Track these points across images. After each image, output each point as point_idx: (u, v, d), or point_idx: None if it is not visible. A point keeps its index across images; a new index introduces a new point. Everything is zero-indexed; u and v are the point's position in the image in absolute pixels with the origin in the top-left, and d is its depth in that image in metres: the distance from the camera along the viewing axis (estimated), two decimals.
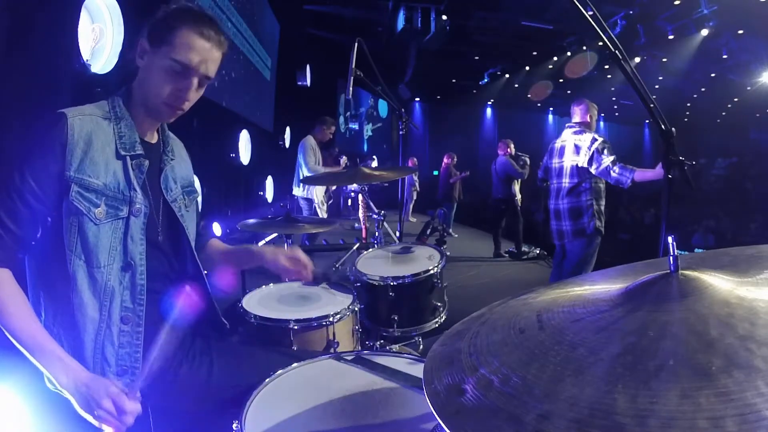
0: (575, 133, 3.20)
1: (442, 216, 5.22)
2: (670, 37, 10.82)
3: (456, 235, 7.93)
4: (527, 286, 0.77)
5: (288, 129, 9.33)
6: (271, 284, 1.89)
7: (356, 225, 8.61)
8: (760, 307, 0.49)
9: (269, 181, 8.39)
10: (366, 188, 2.65)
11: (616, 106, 19.98)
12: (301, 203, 4.74)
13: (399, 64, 12.48)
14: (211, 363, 1.18)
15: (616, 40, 1.23)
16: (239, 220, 2.21)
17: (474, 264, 6.10)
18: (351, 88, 2.24)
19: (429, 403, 0.51)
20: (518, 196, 6.71)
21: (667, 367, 0.43)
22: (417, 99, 17.77)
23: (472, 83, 16.63)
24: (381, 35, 10.35)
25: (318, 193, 4.70)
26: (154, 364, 1.11)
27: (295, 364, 1.13)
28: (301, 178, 4.67)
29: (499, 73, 15.70)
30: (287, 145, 9.17)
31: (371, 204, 2.47)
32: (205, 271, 1.31)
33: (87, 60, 2.99)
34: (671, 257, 0.57)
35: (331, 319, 1.57)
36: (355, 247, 2.26)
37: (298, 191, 4.78)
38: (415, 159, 10.33)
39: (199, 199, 1.39)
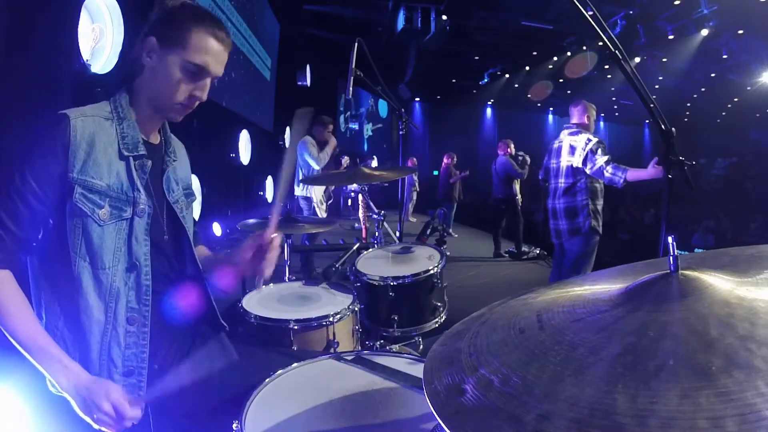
0: (571, 134, 3.26)
1: (442, 216, 5.23)
2: (670, 37, 10.82)
3: (456, 235, 7.92)
4: (527, 286, 0.77)
5: (288, 129, 9.32)
6: (271, 284, 1.89)
7: (356, 225, 8.61)
8: (760, 307, 0.49)
9: (269, 181, 8.39)
10: (366, 188, 2.65)
11: (616, 106, 19.98)
12: (300, 203, 4.74)
13: (399, 64, 12.49)
14: (211, 363, 1.18)
15: (616, 40, 1.23)
16: (239, 220, 2.21)
17: (474, 264, 6.10)
18: (351, 88, 2.24)
19: (429, 403, 0.51)
20: (518, 196, 6.71)
21: (667, 367, 0.43)
22: (417, 99, 17.77)
23: (472, 83, 16.63)
24: (381, 35, 10.35)
25: (317, 192, 4.70)
26: (154, 364, 1.12)
27: (295, 364, 1.13)
28: (301, 178, 4.67)
29: (499, 73, 15.70)
30: (287, 145, 9.17)
31: (371, 204, 2.47)
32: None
33: (87, 60, 2.99)
34: (671, 257, 0.57)
35: (331, 319, 1.57)
36: (355, 247, 2.26)
37: (297, 190, 4.79)
38: (414, 159, 10.33)
39: (196, 203, 1.37)
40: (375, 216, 2.41)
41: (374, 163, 10.53)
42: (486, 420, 0.46)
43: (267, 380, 1.05)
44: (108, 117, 1.10)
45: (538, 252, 6.56)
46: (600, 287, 0.65)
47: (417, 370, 1.09)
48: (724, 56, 12.55)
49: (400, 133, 2.54)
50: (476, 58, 13.80)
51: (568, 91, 16.08)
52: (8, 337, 0.97)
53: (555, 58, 13.48)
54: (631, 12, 9.74)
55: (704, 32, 10.55)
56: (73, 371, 0.98)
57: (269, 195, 8.38)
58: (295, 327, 1.52)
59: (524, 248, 6.55)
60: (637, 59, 12.09)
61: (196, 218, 1.40)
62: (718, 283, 0.54)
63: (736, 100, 17.03)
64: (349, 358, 1.16)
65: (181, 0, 1.15)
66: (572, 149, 3.18)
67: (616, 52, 1.22)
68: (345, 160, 6.14)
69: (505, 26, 10.81)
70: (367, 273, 1.93)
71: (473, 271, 5.61)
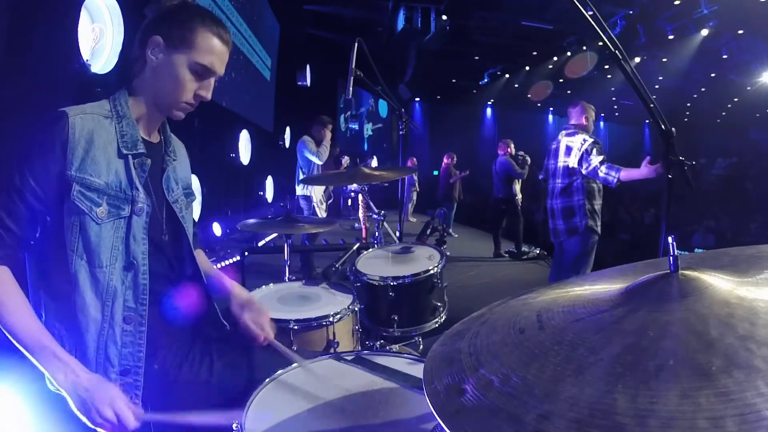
0: (568, 134, 3.29)
1: (442, 216, 5.22)
2: (670, 37, 10.82)
3: (456, 235, 7.92)
4: (527, 286, 0.77)
5: (288, 129, 9.33)
6: (271, 284, 1.89)
7: (356, 225, 8.61)
8: (760, 307, 0.49)
9: (269, 181, 8.40)
10: (366, 188, 2.65)
11: (616, 106, 19.98)
12: (300, 202, 4.75)
13: (399, 64, 12.48)
14: (212, 363, 1.18)
15: (616, 40, 1.23)
16: (239, 220, 2.21)
17: (474, 264, 6.10)
18: (351, 88, 2.24)
19: (429, 403, 0.51)
20: (519, 196, 6.71)
21: (667, 367, 0.43)
22: (417, 99, 17.77)
23: (472, 83, 16.63)
24: (381, 35, 10.35)
25: (317, 191, 4.71)
26: (154, 364, 1.11)
27: (295, 364, 1.13)
28: (301, 178, 4.68)
29: (499, 73, 15.70)
30: (287, 145, 9.18)
31: (371, 204, 2.47)
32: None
33: (87, 60, 2.99)
34: (671, 257, 0.57)
35: (331, 319, 1.57)
36: (355, 247, 2.25)
37: (297, 190, 4.80)
38: (414, 159, 10.33)
39: (196, 202, 1.37)
40: (375, 216, 2.41)
41: (374, 163, 10.54)
42: (486, 420, 0.46)
43: (267, 380, 1.05)
44: (107, 115, 1.10)
45: (538, 252, 6.56)
46: (600, 287, 0.65)
47: (417, 370, 1.09)
48: (724, 56, 12.54)
49: (400, 133, 2.54)
50: (476, 58, 13.80)
51: (568, 91, 16.07)
52: (6, 333, 0.97)
53: (555, 58, 13.48)
54: (631, 12, 9.74)
55: (704, 32, 10.55)
56: (72, 369, 0.97)
57: (269, 195, 8.38)
58: (295, 327, 1.52)
59: (524, 248, 6.55)
60: (637, 59, 12.09)
61: (196, 218, 1.40)
62: (718, 283, 0.54)
63: (736, 100, 17.03)
64: (349, 358, 1.16)
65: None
66: (568, 150, 3.22)
67: (616, 52, 1.22)
68: (345, 160, 6.14)
69: (505, 26, 10.80)
70: (367, 273, 1.93)
71: (473, 271, 5.61)
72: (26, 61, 2.37)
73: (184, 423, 0.97)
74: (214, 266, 1.46)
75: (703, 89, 16.60)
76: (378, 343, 1.99)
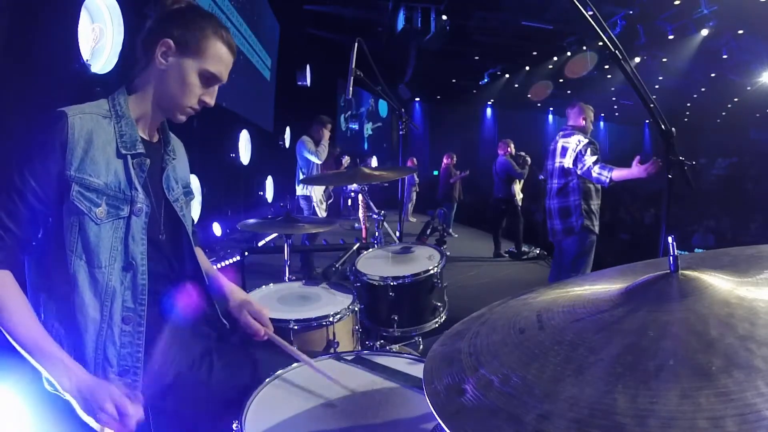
0: (564, 135, 3.32)
1: (442, 216, 5.22)
2: (670, 37, 10.83)
3: (456, 235, 7.92)
4: (527, 286, 0.77)
5: (288, 129, 9.34)
6: (271, 284, 1.89)
7: (356, 225, 8.60)
8: (760, 307, 0.49)
9: (269, 181, 8.39)
10: (366, 188, 2.65)
11: (616, 106, 19.99)
12: (300, 202, 4.75)
13: (399, 64, 12.48)
14: (211, 363, 1.18)
15: (616, 40, 1.23)
16: (239, 220, 2.20)
17: (474, 264, 6.10)
18: (351, 88, 2.24)
19: (429, 403, 0.51)
20: (518, 196, 6.71)
21: (667, 367, 0.43)
22: (417, 99, 17.77)
23: (472, 83, 16.64)
24: (381, 35, 10.35)
25: (317, 191, 4.71)
26: (154, 364, 1.11)
27: (295, 364, 1.13)
28: (301, 178, 4.68)
29: (499, 73, 15.71)
30: (287, 145, 9.18)
31: (371, 204, 2.47)
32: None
33: (87, 60, 2.99)
34: (671, 257, 0.57)
35: (331, 319, 1.57)
36: (355, 247, 2.25)
37: (298, 190, 4.80)
38: (414, 159, 10.33)
39: (196, 202, 1.38)
40: (375, 216, 2.41)
41: (374, 163, 10.53)
42: (486, 420, 0.46)
43: (267, 380, 1.05)
44: (106, 115, 1.09)
45: (538, 252, 6.56)
46: (600, 287, 0.65)
47: (417, 370, 1.09)
48: (724, 56, 12.55)
49: (400, 133, 2.54)
50: (476, 58, 13.81)
51: (568, 91, 16.08)
52: (8, 338, 0.97)
53: (555, 58, 13.49)
54: (631, 12, 9.74)
55: (704, 32, 10.56)
56: (75, 372, 0.97)
57: (269, 195, 8.38)
58: (295, 327, 1.52)
59: (524, 248, 6.55)
60: (637, 59, 12.10)
61: (196, 218, 1.40)
62: (718, 283, 0.54)
63: (736, 100, 17.03)
64: (349, 358, 1.16)
65: (187, 1, 1.15)
66: (564, 150, 3.26)
67: (616, 52, 1.22)
68: (345, 160, 6.13)
69: (505, 26, 10.81)
70: (367, 273, 1.93)
71: (473, 271, 5.61)
72: (26, 61, 2.37)
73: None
74: (214, 266, 1.47)
75: (703, 89, 16.60)
76: (378, 343, 1.99)
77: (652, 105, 1.23)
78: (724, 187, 14.62)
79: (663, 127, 1.25)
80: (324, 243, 5.24)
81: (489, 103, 19.50)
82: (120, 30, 3.30)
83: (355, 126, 15.87)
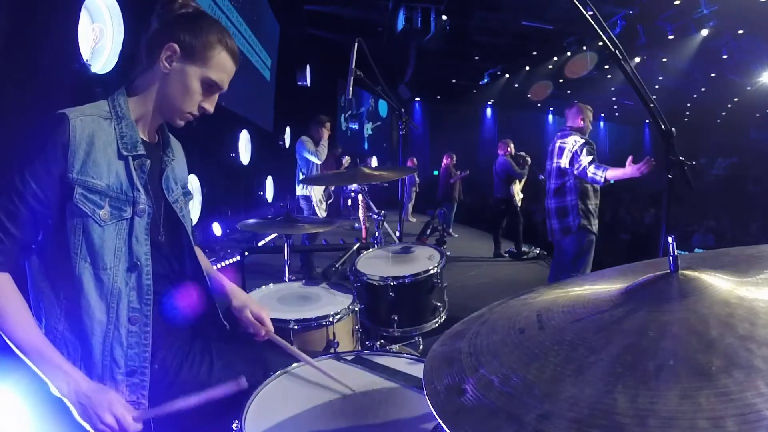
0: (561, 136, 3.36)
1: (442, 216, 5.22)
2: (670, 37, 10.83)
3: (456, 235, 7.92)
4: (527, 286, 0.77)
5: (288, 129, 9.33)
6: (271, 284, 1.89)
7: (356, 225, 8.61)
8: (760, 307, 0.49)
9: (269, 181, 8.39)
10: (366, 188, 2.65)
11: (616, 106, 20.00)
12: (300, 202, 4.75)
13: (399, 64, 12.48)
14: (212, 363, 1.18)
15: (616, 40, 1.23)
16: (239, 220, 2.21)
17: (474, 264, 6.10)
18: (351, 88, 2.24)
19: (429, 403, 0.51)
20: (518, 196, 6.71)
21: (667, 367, 0.43)
22: (417, 99, 17.78)
23: (472, 83, 16.64)
24: (381, 35, 10.35)
25: (316, 191, 4.71)
26: (154, 364, 1.11)
27: (295, 364, 1.13)
28: (301, 178, 4.67)
29: (499, 73, 15.71)
30: (287, 145, 9.18)
31: (371, 204, 2.47)
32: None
33: (87, 60, 2.99)
34: (671, 257, 0.57)
35: (331, 319, 1.57)
36: (355, 247, 2.25)
37: (297, 190, 4.80)
38: (414, 159, 10.33)
39: (196, 202, 1.38)
40: (375, 216, 2.41)
41: (374, 163, 10.53)
42: (486, 420, 0.46)
43: (267, 380, 1.05)
44: (106, 116, 1.09)
45: (538, 252, 6.56)
46: (600, 287, 0.65)
47: (417, 370, 1.09)
48: (724, 56, 12.56)
49: (400, 133, 2.54)
50: (476, 58, 13.81)
51: (568, 91, 16.08)
52: (8, 342, 0.97)
53: (555, 58, 13.49)
54: (631, 12, 9.74)
55: (704, 32, 10.56)
56: (74, 378, 0.98)
57: (269, 195, 8.38)
58: (295, 327, 1.53)
59: (524, 248, 6.55)
60: (637, 59, 12.10)
61: (196, 218, 1.40)
62: (718, 283, 0.54)
63: (736, 100, 17.04)
64: (349, 358, 1.16)
65: (194, 6, 1.15)
66: (561, 150, 3.29)
67: (616, 52, 1.22)
68: (346, 160, 6.13)
69: (505, 26, 10.82)
70: (367, 273, 1.93)
71: (473, 271, 5.61)
72: (26, 61, 2.37)
73: (186, 407, 0.98)
74: (214, 266, 1.47)
75: (703, 89, 16.61)
76: (378, 343, 1.99)
77: (652, 105, 1.23)
78: (724, 187, 14.63)
79: (663, 127, 1.25)
80: (324, 243, 5.24)
81: (489, 103, 19.51)
82: (120, 30, 3.30)
83: (355, 126, 15.87)
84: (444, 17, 9.52)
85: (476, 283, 5.10)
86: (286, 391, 1.03)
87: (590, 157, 3.09)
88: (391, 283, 1.87)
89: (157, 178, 1.18)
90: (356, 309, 1.71)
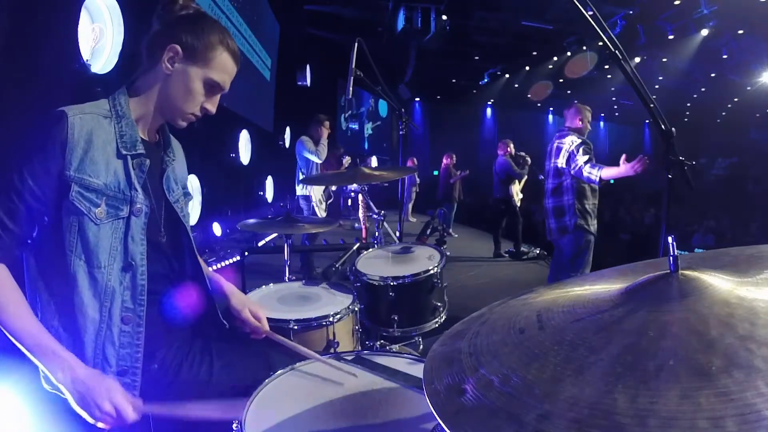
0: (559, 136, 3.37)
1: (442, 216, 5.23)
2: (670, 37, 10.84)
3: (456, 235, 7.93)
4: (527, 286, 0.77)
5: (288, 129, 9.33)
6: (271, 284, 1.89)
7: (356, 225, 8.61)
8: (760, 307, 0.49)
9: (269, 181, 8.39)
10: (366, 188, 2.65)
11: (616, 106, 20.00)
12: (300, 202, 4.75)
13: (399, 64, 12.48)
14: (211, 363, 1.18)
15: (616, 40, 1.23)
16: (239, 220, 2.20)
17: (474, 264, 6.10)
18: (351, 88, 2.24)
19: (429, 403, 0.51)
20: (517, 196, 6.71)
21: (667, 367, 0.43)
22: (417, 99, 17.78)
23: (472, 83, 16.64)
24: (381, 35, 10.35)
25: (316, 191, 4.71)
26: (154, 364, 1.11)
27: (295, 364, 1.13)
28: (300, 178, 4.67)
29: (499, 73, 15.71)
30: (287, 145, 9.18)
31: (371, 204, 2.47)
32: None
33: (87, 60, 2.99)
34: (671, 257, 0.57)
35: (331, 319, 1.57)
36: (355, 247, 2.25)
37: (297, 190, 4.80)
38: (414, 159, 10.33)
39: (196, 202, 1.38)
40: (375, 216, 2.41)
41: (374, 163, 10.53)
42: (486, 420, 0.46)
43: (267, 380, 1.05)
44: (106, 115, 1.09)
45: (538, 252, 6.56)
46: (600, 287, 0.65)
47: (417, 370, 1.09)
48: (724, 56, 12.56)
49: (400, 133, 2.54)
50: (476, 58, 13.82)
51: (568, 91, 16.09)
52: (4, 332, 0.97)
53: (555, 58, 13.50)
54: (631, 12, 9.75)
55: (704, 32, 10.57)
56: (70, 365, 0.97)
57: (269, 195, 8.38)
58: (295, 327, 1.53)
59: (523, 248, 6.55)
60: (637, 59, 12.10)
61: (196, 218, 1.40)
62: (718, 283, 0.54)
63: (736, 100, 17.04)
64: (349, 358, 1.16)
65: (195, 7, 1.15)
66: (558, 150, 3.30)
67: (616, 52, 1.22)
68: (346, 160, 6.13)
69: (505, 26, 10.82)
70: (367, 273, 1.93)
71: (473, 271, 5.61)
72: (26, 61, 2.37)
73: (182, 416, 0.98)
74: (214, 266, 1.47)
75: (703, 89, 16.61)
76: (378, 343, 1.99)
77: (652, 105, 1.23)
78: (724, 187, 14.63)
79: (663, 127, 1.25)
80: (324, 243, 5.24)
81: (489, 103, 19.51)
82: (120, 30, 3.30)
83: (355, 126, 15.87)
84: (444, 17, 9.52)
85: (476, 283, 5.10)
86: (286, 390, 1.03)
87: (586, 157, 3.10)
88: (391, 283, 1.87)
89: (158, 178, 1.18)
90: (356, 309, 1.71)
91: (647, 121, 20.02)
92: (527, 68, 14.93)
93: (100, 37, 3.19)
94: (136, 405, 0.98)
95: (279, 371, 1.09)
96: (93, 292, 1.04)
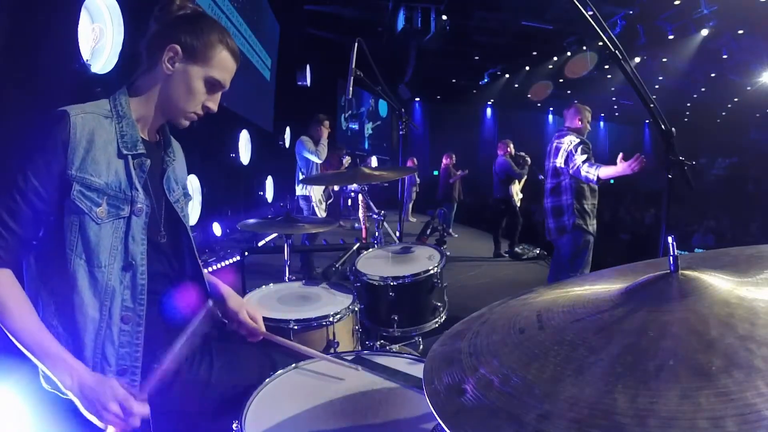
0: (558, 136, 3.38)
1: (442, 216, 5.22)
2: (670, 37, 10.84)
3: (456, 235, 7.92)
4: (527, 286, 0.77)
5: (288, 129, 9.33)
6: (271, 284, 1.89)
7: (356, 225, 8.61)
8: (760, 307, 0.49)
9: (269, 181, 8.39)
10: (366, 188, 2.65)
11: (616, 106, 20.00)
12: (300, 202, 4.75)
13: (399, 64, 12.48)
14: (211, 363, 1.18)
15: (616, 40, 1.23)
16: (239, 220, 2.20)
17: (474, 264, 6.10)
18: (351, 88, 2.24)
19: (429, 403, 0.51)
20: (517, 196, 6.71)
21: (667, 367, 0.43)
22: (417, 99, 17.78)
23: (472, 83, 16.65)
24: (381, 35, 10.35)
25: (316, 191, 4.71)
26: (154, 363, 1.11)
27: (295, 364, 1.13)
28: (300, 178, 4.67)
29: (499, 73, 15.72)
30: (287, 145, 9.18)
31: (371, 204, 2.47)
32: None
33: (87, 60, 2.99)
34: (671, 257, 0.57)
35: (331, 319, 1.57)
36: (355, 247, 2.25)
37: (297, 190, 4.80)
38: (414, 159, 10.33)
39: (196, 202, 1.39)
40: (375, 216, 2.41)
41: (374, 163, 10.53)
42: (486, 420, 0.46)
43: (267, 380, 1.05)
44: (107, 115, 1.09)
45: (537, 252, 6.56)
46: (600, 287, 0.65)
47: (417, 370, 1.09)
48: (724, 56, 12.56)
49: (400, 133, 2.54)
50: (476, 58, 13.82)
51: (568, 91, 16.08)
52: (10, 336, 0.97)
53: (555, 58, 13.50)
54: (631, 12, 9.75)
55: (704, 32, 10.57)
56: (77, 370, 0.97)
57: (269, 195, 8.38)
58: (295, 327, 1.53)
59: (517, 249, 6.53)
60: (637, 59, 12.10)
61: (196, 218, 1.41)
62: (718, 283, 0.54)
63: (736, 100, 17.04)
64: (349, 358, 1.16)
65: (192, 7, 1.15)
66: (557, 150, 3.31)
67: (616, 52, 1.22)
68: (346, 160, 6.14)
69: (505, 26, 10.82)
70: (367, 273, 1.93)
71: (473, 271, 5.61)
72: (26, 61, 2.37)
73: (174, 354, 1.01)
74: (213, 266, 1.48)
75: (703, 89, 16.61)
76: (378, 343, 1.99)
77: (652, 105, 1.23)
78: (724, 187, 14.63)
79: (663, 127, 1.25)
80: (324, 243, 5.24)
81: (489, 103, 19.51)
82: (120, 30, 3.30)
83: (355, 126, 15.86)
84: (444, 17, 9.53)
85: (476, 283, 5.10)
86: (286, 390, 1.03)
87: (584, 156, 3.11)
88: (391, 283, 1.87)
89: (159, 178, 1.19)
90: (356, 309, 1.71)
91: (647, 121, 20.02)
92: (527, 68, 14.93)
93: (100, 37, 3.19)
94: (139, 397, 0.98)
95: (279, 371, 1.09)
96: (93, 292, 1.04)
